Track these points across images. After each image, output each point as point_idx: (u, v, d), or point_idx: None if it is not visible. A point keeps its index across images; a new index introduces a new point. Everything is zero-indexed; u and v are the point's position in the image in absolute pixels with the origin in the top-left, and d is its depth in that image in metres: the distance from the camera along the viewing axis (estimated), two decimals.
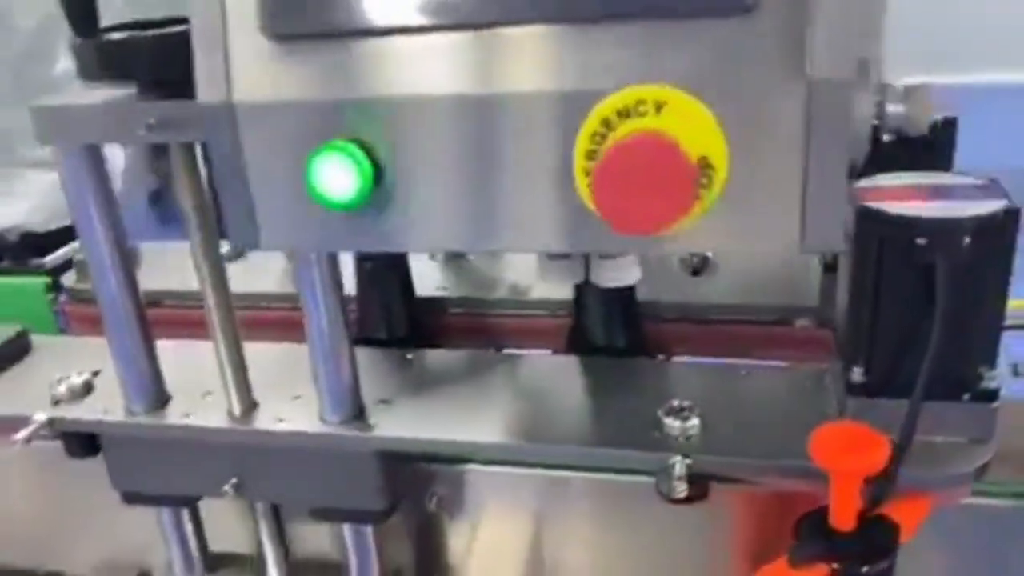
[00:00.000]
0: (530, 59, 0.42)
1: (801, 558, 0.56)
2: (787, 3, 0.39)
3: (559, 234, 0.43)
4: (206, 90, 0.45)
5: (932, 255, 0.58)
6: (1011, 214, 0.58)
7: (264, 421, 0.72)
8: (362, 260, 0.82)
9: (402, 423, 0.71)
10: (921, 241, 0.58)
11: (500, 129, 0.43)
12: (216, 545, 0.84)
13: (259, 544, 0.80)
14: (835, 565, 0.57)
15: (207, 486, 0.75)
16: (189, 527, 0.81)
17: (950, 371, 0.62)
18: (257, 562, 0.83)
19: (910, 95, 0.51)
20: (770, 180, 0.42)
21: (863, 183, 0.65)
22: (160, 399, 0.75)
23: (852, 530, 0.57)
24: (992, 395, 0.62)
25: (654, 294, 0.88)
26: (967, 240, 0.58)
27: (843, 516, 0.57)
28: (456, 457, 0.78)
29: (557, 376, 0.77)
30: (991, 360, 0.62)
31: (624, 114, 0.41)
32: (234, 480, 0.75)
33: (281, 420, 0.72)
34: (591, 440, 0.68)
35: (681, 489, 0.63)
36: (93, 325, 0.80)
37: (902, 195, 0.62)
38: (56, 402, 0.78)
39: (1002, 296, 0.61)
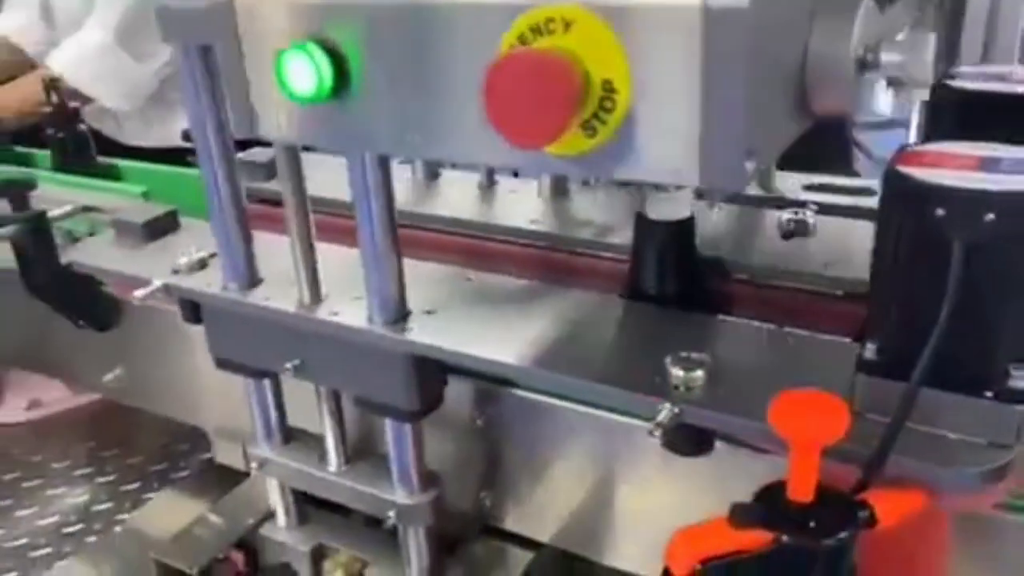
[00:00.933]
0: None
1: (740, 519, 0.54)
2: None
3: (478, 146, 0.44)
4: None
5: (950, 229, 0.53)
6: None
7: (322, 313, 0.79)
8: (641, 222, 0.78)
9: (435, 332, 0.75)
10: (940, 212, 0.53)
11: (436, 40, 0.46)
12: (294, 420, 0.94)
13: (321, 424, 0.89)
14: (778, 534, 0.54)
15: (275, 362, 0.84)
16: (270, 398, 0.91)
17: (973, 363, 0.57)
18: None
19: (912, 44, 0.47)
20: (671, 111, 0.41)
21: (917, 146, 0.60)
22: (251, 281, 0.85)
23: (807, 503, 0.55)
24: (1018, 396, 0.56)
25: (734, 253, 0.86)
26: (990, 217, 0.52)
27: (799, 487, 0.55)
28: (504, 379, 0.82)
29: (601, 315, 0.78)
30: (1019, 358, 0.56)
31: (537, 31, 0.42)
32: (297, 361, 0.83)
33: (335, 314, 0.79)
34: (597, 377, 0.68)
35: (658, 435, 0.62)
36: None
37: (951, 162, 0.57)
38: (174, 272, 0.90)
39: None
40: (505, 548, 0.94)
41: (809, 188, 0.97)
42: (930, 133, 0.71)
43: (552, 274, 0.87)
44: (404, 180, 1.10)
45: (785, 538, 0.54)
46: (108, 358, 1.20)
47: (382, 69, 0.48)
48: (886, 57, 0.47)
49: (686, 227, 0.77)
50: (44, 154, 1.34)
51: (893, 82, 0.49)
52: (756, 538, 0.55)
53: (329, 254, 0.82)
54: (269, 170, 1.09)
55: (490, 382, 0.84)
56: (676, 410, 0.63)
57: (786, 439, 0.53)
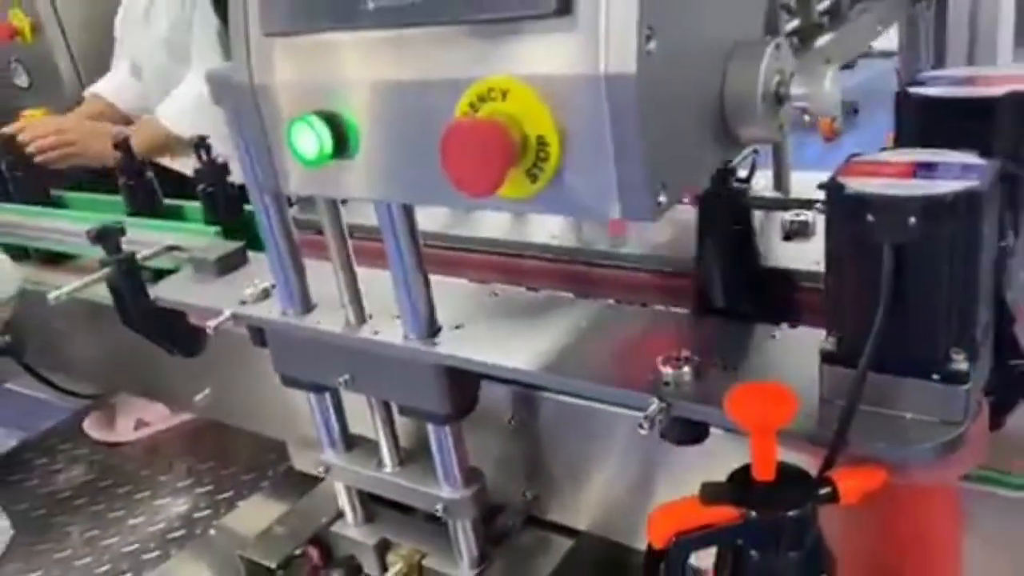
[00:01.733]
0: (425, 54, 0.53)
1: (709, 496, 0.62)
2: (591, 5, 0.46)
3: (446, 193, 0.54)
4: (236, 74, 0.62)
5: (878, 233, 0.60)
6: (968, 196, 0.58)
7: (365, 332, 0.90)
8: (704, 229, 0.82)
9: (461, 345, 0.85)
10: (869, 218, 0.60)
11: (411, 109, 0.55)
12: (359, 429, 1.05)
13: (375, 431, 0.99)
14: (744, 509, 0.62)
15: (329, 377, 0.95)
16: (331, 410, 1.03)
17: (918, 350, 0.63)
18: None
19: (814, 78, 0.54)
20: (592, 158, 0.49)
21: (864, 156, 0.67)
22: (305, 307, 0.96)
23: (770, 481, 0.62)
24: (960, 377, 0.62)
25: None
26: (912, 220, 0.58)
27: (761, 467, 0.62)
28: (533, 384, 0.91)
29: (605, 321, 0.86)
30: (963, 343, 0.62)
31: (483, 99, 0.51)
32: (347, 375, 0.94)
33: (376, 333, 0.89)
34: (597, 378, 0.77)
35: (646, 427, 0.70)
36: (307, 248, 1.01)
37: (887, 170, 0.63)
38: (242, 302, 1.02)
39: (970, 279, 0.60)
40: (548, 536, 1.02)
41: (822, 187, 1.03)
42: (897, 139, 0.77)
43: (568, 285, 0.95)
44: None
45: (750, 513, 0.62)
46: (197, 380, 1.34)
47: (371, 135, 0.58)
48: (794, 90, 0.54)
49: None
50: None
51: (805, 110, 0.56)
52: (725, 513, 0.62)
53: (374, 278, 0.92)
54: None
55: (525, 387, 0.94)
56: (664, 405, 0.71)
57: (744, 426, 0.61)
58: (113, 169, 1.46)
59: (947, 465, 0.65)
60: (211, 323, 1.01)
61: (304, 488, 1.21)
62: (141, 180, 1.43)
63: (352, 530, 1.09)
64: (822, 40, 0.70)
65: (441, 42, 0.53)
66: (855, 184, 0.61)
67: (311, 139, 0.59)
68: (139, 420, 1.74)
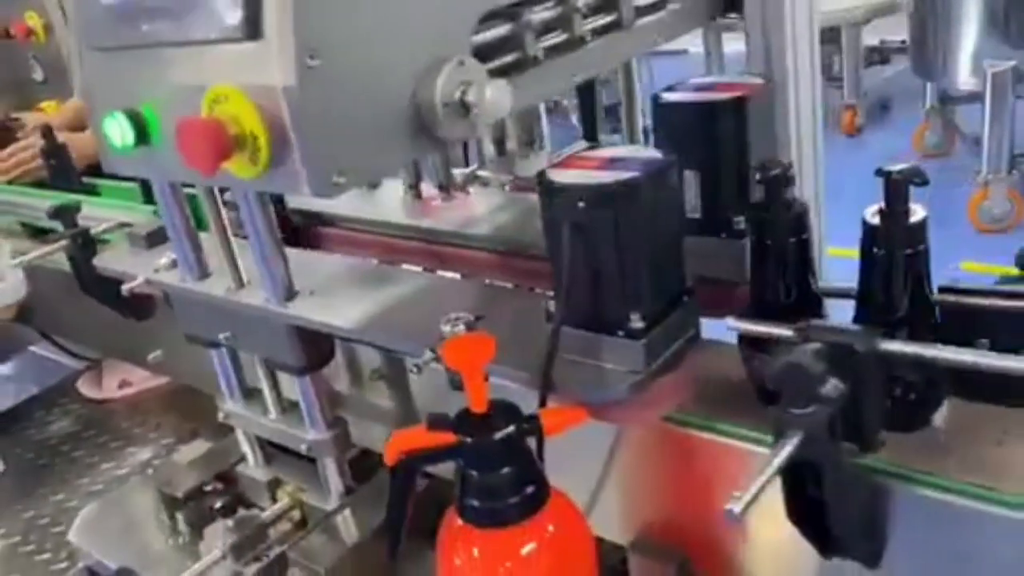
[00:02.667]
0: (182, 66, 0.70)
1: (433, 424, 0.77)
2: (273, 30, 0.62)
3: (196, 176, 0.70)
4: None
5: (559, 215, 0.74)
6: (626, 185, 0.71)
7: (238, 295, 1.07)
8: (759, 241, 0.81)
9: (305, 307, 1.00)
10: (554, 202, 0.74)
11: (179, 108, 0.71)
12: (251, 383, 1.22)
13: (259, 382, 1.16)
14: (458, 435, 0.76)
15: (216, 334, 1.12)
16: (229, 365, 1.20)
17: (608, 312, 0.77)
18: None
19: (481, 87, 0.68)
20: (285, 148, 0.64)
21: (580, 152, 0.81)
22: (201, 274, 1.13)
23: (483, 413, 0.76)
24: (637, 334, 0.75)
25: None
26: (582, 204, 0.72)
27: (475, 402, 0.76)
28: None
29: (429, 290, 1.01)
30: (638, 307, 0.75)
31: (217, 101, 0.67)
32: (229, 333, 1.11)
33: (245, 296, 1.06)
34: (393, 333, 0.92)
35: (414, 372, 0.85)
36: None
37: (585, 164, 0.77)
38: (155, 270, 1.20)
39: (638, 254, 0.73)
40: None
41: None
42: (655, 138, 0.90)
43: (429, 261, 1.11)
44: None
45: (465, 438, 0.76)
46: (150, 342, 1.53)
47: (163, 129, 0.75)
48: (469, 99, 0.69)
49: None
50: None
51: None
52: (446, 438, 0.77)
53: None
54: None
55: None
56: (434, 355, 0.85)
57: (456, 368, 0.75)
58: None
59: (640, 406, 0.79)
60: (126, 287, 1.19)
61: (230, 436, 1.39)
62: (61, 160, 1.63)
63: (251, 470, 1.26)
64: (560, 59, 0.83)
65: (192, 57, 0.69)
66: (555, 175, 0.76)
67: (117, 131, 0.75)
68: (123, 380, 1.95)
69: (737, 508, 0.61)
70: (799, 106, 1.03)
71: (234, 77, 0.66)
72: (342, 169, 0.65)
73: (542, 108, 1.35)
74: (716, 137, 0.84)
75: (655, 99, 0.89)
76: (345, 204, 1.30)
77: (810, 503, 0.72)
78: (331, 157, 0.64)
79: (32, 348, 2.32)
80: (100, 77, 0.78)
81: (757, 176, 0.72)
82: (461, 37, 0.72)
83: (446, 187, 1.26)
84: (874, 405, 0.70)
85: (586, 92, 1.23)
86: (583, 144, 1.09)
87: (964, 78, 3.66)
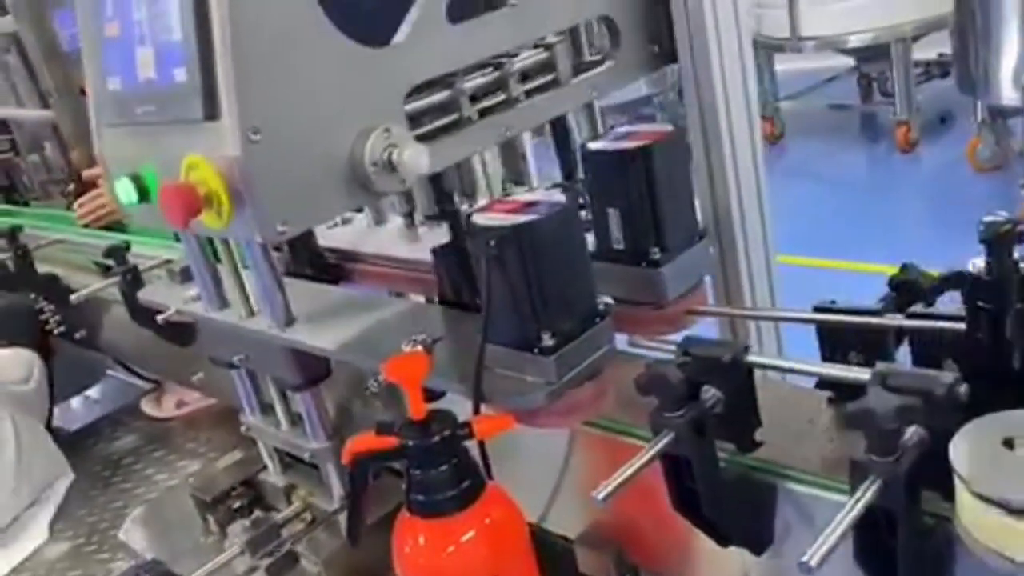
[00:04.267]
0: (165, 140, 0.87)
1: (380, 430, 0.91)
2: (227, 113, 0.78)
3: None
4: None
5: (476, 250, 0.88)
6: (527, 227, 0.85)
7: (248, 323, 1.24)
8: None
9: (298, 332, 1.17)
10: (473, 241, 0.88)
11: (163, 173, 0.88)
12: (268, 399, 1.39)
13: (271, 398, 1.33)
14: (400, 438, 0.90)
15: (232, 356, 1.30)
16: (248, 383, 1.37)
17: (525, 331, 0.90)
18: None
19: (401, 149, 0.83)
20: (239, 203, 0.80)
21: (510, 197, 0.95)
22: (221, 304, 1.31)
23: (422, 420, 0.91)
24: (548, 351, 0.88)
25: None
26: (492, 243, 0.86)
27: (415, 410, 0.90)
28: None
29: (402, 315, 1.16)
30: (547, 327, 0.88)
31: (192, 167, 0.84)
32: (243, 355, 1.28)
33: (253, 323, 1.23)
34: (366, 353, 1.07)
35: (374, 388, 1.00)
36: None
37: (508, 207, 0.91)
38: (185, 301, 1.38)
39: (541, 284, 0.87)
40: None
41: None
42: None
43: (400, 286, 1.26)
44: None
45: (407, 441, 0.91)
46: (193, 364, 1.72)
47: (155, 191, 0.92)
48: (395, 159, 0.83)
49: None
50: None
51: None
52: (392, 441, 0.91)
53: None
54: None
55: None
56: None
57: (398, 381, 0.90)
58: None
59: (560, 413, 0.92)
60: (160, 317, 1.38)
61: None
62: None
63: (271, 476, 1.43)
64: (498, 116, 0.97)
65: (169, 134, 0.86)
66: (478, 217, 0.90)
67: (124, 192, 0.93)
68: (179, 400, 2.16)
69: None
70: (734, 137, 1.14)
71: (201, 149, 0.82)
72: (286, 219, 0.81)
73: (528, 148, 1.48)
74: (628, 180, 0.97)
75: (582, 147, 1.02)
76: (364, 239, 1.47)
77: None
78: (276, 210, 0.80)
79: (111, 372, 2.57)
80: (111, 148, 0.96)
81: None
82: (392, 106, 0.88)
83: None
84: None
85: (562, 134, 1.36)
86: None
87: (1007, 93, 3.66)
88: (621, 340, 0.98)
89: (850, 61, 5.73)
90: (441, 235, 1.38)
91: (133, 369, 2.34)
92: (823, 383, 0.93)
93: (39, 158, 2.96)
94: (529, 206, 0.90)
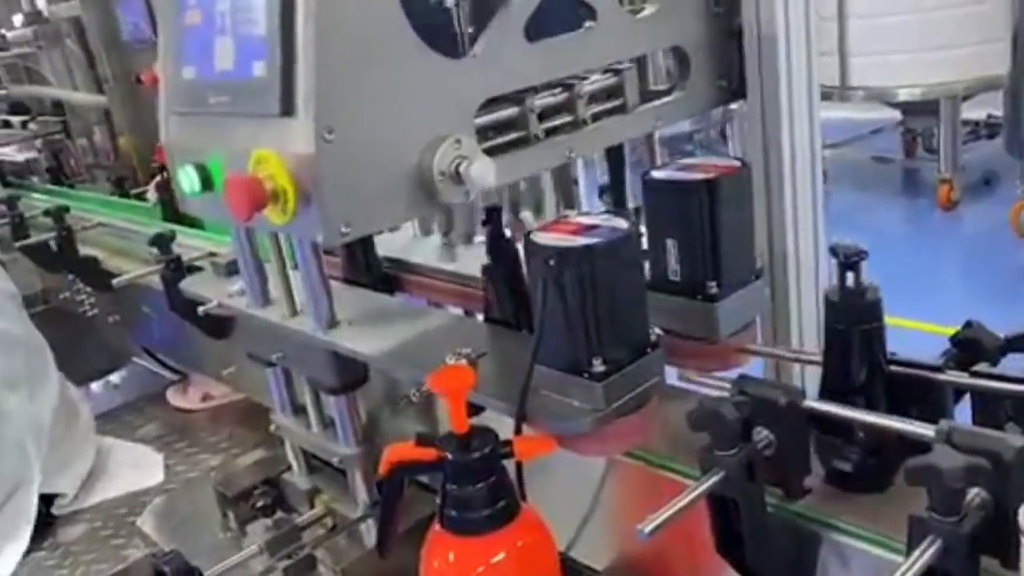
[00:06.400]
0: (235, 133, 0.87)
1: (420, 441, 0.90)
2: (303, 109, 0.78)
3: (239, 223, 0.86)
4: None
5: (535, 270, 0.87)
6: (587, 250, 0.84)
7: (290, 322, 1.23)
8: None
9: (341, 335, 1.16)
10: (533, 261, 0.87)
11: (230, 165, 0.88)
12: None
13: (304, 400, 1.32)
14: (440, 451, 0.89)
15: (270, 354, 1.29)
16: (283, 383, 1.37)
17: (575, 355, 0.89)
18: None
19: (470, 163, 0.83)
20: (305, 202, 0.80)
21: (568, 218, 0.94)
22: (264, 301, 1.30)
23: (463, 434, 0.89)
24: (598, 377, 0.87)
25: None
26: (552, 263, 0.85)
27: (456, 424, 0.89)
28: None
29: (443, 326, 1.15)
30: (599, 353, 0.87)
31: (260, 162, 0.84)
32: (281, 353, 1.28)
33: (296, 323, 1.22)
34: (405, 362, 1.06)
35: (414, 398, 0.99)
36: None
37: (568, 229, 0.90)
38: (229, 295, 1.38)
39: (600, 306, 0.85)
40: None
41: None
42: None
43: (442, 298, 1.26)
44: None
45: (447, 455, 0.89)
46: (226, 358, 1.72)
47: (219, 182, 0.92)
48: (461, 171, 0.83)
49: None
50: None
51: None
52: (431, 454, 0.90)
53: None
54: None
55: None
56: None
57: (442, 393, 0.89)
58: None
59: (604, 440, 0.90)
60: (202, 308, 1.38)
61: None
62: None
63: (295, 478, 1.42)
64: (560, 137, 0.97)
65: (241, 127, 0.86)
66: (537, 236, 0.89)
67: (187, 180, 0.93)
68: (206, 394, 2.16)
69: None
70: (796, 177, 1.13)
71: (272, 144, 0.82)
72: (349, 221, 0.80)
73: (580, 174, 1.48)
74: (690, 212, 0.96)
75: (643, 176, 1.01)
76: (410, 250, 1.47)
77: None
78: (341, 211, 0.80)
79: (136, 360, 2.58)
80: (177, 136, 0.96)
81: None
82: (463, 118, 0.87)
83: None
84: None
85: (616, 161, 1.35)
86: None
87: None
88: (670, 373, 0.97)
89: (895, 115, 5.70)
90: (476, 252, 1.38)
91: (160, 359, 2.35)
92: None
93: (88, 142, 2.99)
94: (589, 229, 0.89)
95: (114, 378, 2.69)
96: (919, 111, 5.20)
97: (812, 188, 1.17)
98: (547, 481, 1.04)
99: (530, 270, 0.88)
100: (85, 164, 3.04)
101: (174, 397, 2.22)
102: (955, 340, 0.87)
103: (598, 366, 0.87)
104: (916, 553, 0.64)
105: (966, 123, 5.33)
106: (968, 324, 0.88)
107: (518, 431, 0.91)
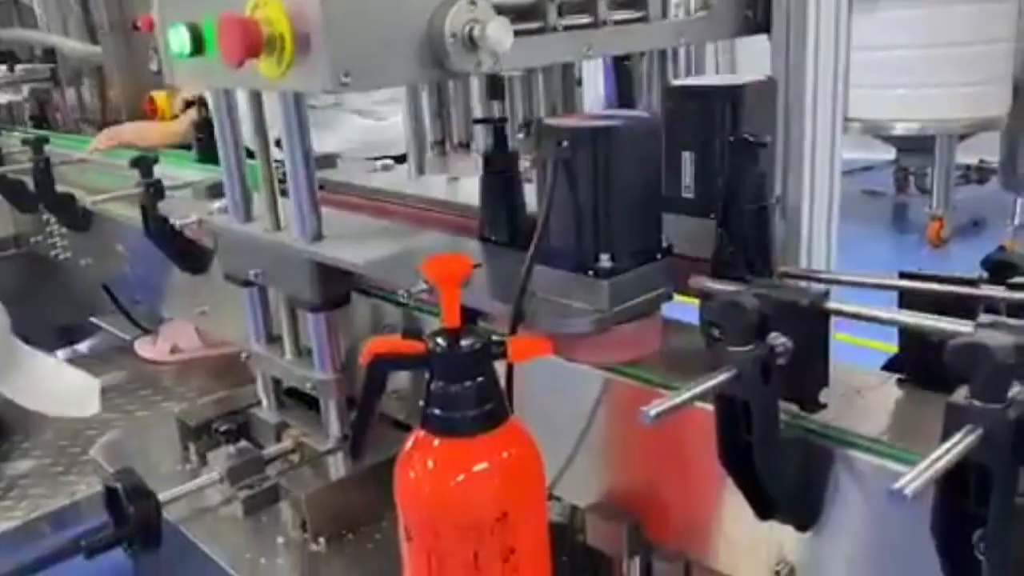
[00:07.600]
0: None
1: (408, 335, 0.83)
2: None
3: (235, 77, 0.80)
4: None
5: (545, 152, 0.81)
6: (604, 131, 0.78)
7: (274, 235, 1.16)
8: None
9: (325, 247, 1.09)
10: (543, 141, 0.81)
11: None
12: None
13: (279, 325, 1.25)
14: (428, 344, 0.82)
15: (248, 271, 1.22)
16: (258, 307, 1.29)
17: (579, 252, 0.83)
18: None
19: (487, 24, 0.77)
20: (304, 51, 0.74)
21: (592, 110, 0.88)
22: (246, 217, 1.24)
23: (455, 328, 0.82)
24: (604, 273, 0.81)
25: None
26: (565, 143, 0.79)
27: (448, 316, 0.82)
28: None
29: (426, 242, 1.09)
30: (607, 248, 0.81)
31: (256, 6, 0.77)
32: (259, 270, 1.21)
33: (279, 236, 1.15)
34: (392, 269, 0.99)
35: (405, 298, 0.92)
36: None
37: (586, 117, 0.84)
38: (209, 213, 1.31)
39: (609, 196, 0.79)
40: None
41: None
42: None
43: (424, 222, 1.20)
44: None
45: (435, 348, 0.82)
46: (200, 296, 1.64)
47: (212, 43, 0.85)
48: (475, 34, 0.77)
49: None
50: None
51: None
52: (418, 347, 0.83)
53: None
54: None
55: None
56: (427, 285, 0.92)
57: (434, 282, 0.82)
58: None
59: (601, 348, 0.84)
60: (180, 221, 1.30)
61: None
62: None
63: (263, 413, 1.34)
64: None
65: None
66: (550, 120, 0.83)
67: (177, 40, 0.87)
68: (175, 346, 2.07)
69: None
70: (816, 110, 1.07)
71: None
72: (350, 71, 0.74)
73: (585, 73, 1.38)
74: (711, 122, 0.90)
75: (663, 84, 0.96)
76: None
77: None
78: (342, 58, 0.73)
79: (104, 325, 2.50)
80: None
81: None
82: None
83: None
84: None
85: (625, 70, 1.27)
86: None
87: None
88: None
89: (888, 155, 5.71)
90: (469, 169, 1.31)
91: (129, 314, 2.27)
92: (890, 365, 0.85)
93: (75, 93, 2.91)
94: (607, 117, 0.83)
95: (81, 347, 2.59)
96: (913, 148, 5.20)
97: (832, 118, 1.11)
98: (537, 402, 0.97)
99: (539, 154, 0.82)
100: (73, 118, 2.95)
101: (142, 348, 2.13)
102: (986, 263, 0.82)
103: (605, 261, 0.81)
104: (952, 441, 0.57)
105: (958, 167, 5.34)
106: (1001, 247, 0.82)
107: (513, 331, 0.84)
